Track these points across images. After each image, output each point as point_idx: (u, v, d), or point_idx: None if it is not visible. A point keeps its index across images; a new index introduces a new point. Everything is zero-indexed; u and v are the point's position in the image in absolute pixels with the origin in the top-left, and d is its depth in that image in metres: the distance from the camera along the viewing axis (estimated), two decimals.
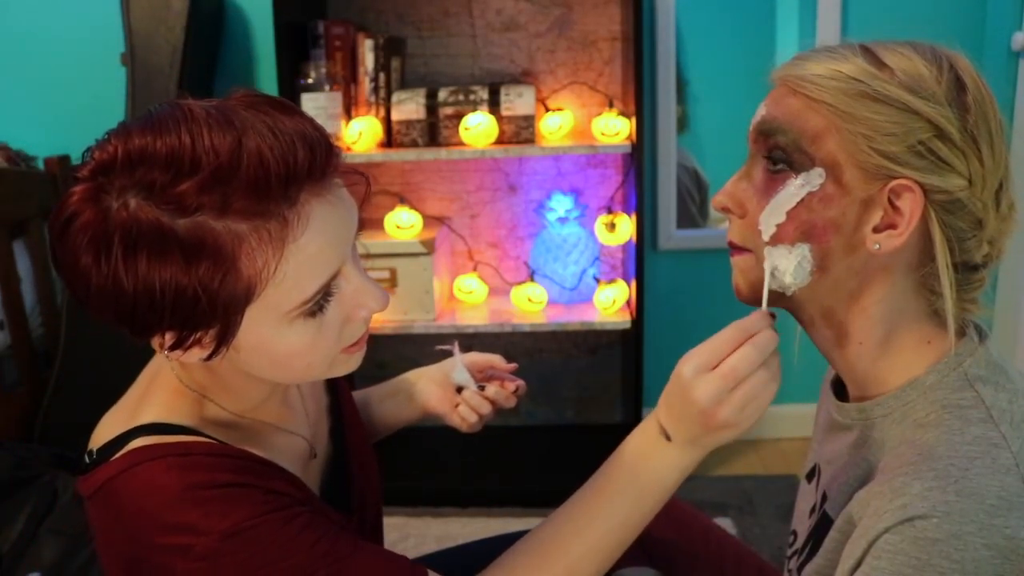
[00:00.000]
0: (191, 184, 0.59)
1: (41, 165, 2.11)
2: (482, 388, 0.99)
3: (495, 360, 1.01)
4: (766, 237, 0.73)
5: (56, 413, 2.03)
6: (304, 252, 0.63)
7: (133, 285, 0.61)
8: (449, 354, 1.01)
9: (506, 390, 1.00)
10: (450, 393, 1.01)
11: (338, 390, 0.96)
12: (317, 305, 0.66)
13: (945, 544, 0.60)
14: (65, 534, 1.66)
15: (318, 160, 0.63)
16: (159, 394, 0.75)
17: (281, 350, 0.68)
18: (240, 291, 0.62)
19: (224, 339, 0.65)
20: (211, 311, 0.62)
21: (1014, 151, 0.73)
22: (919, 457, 0.66)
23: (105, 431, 0.75)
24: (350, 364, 0.75)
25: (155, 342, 0.67)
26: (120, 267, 0.60)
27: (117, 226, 0.60)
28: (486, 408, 0.99)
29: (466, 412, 0.99)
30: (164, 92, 2.01)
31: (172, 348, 0.66)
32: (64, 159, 2.11)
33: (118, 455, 0.71)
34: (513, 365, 1.02)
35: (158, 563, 0.67)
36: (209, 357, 0.67)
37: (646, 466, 0.75)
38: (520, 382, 1.01)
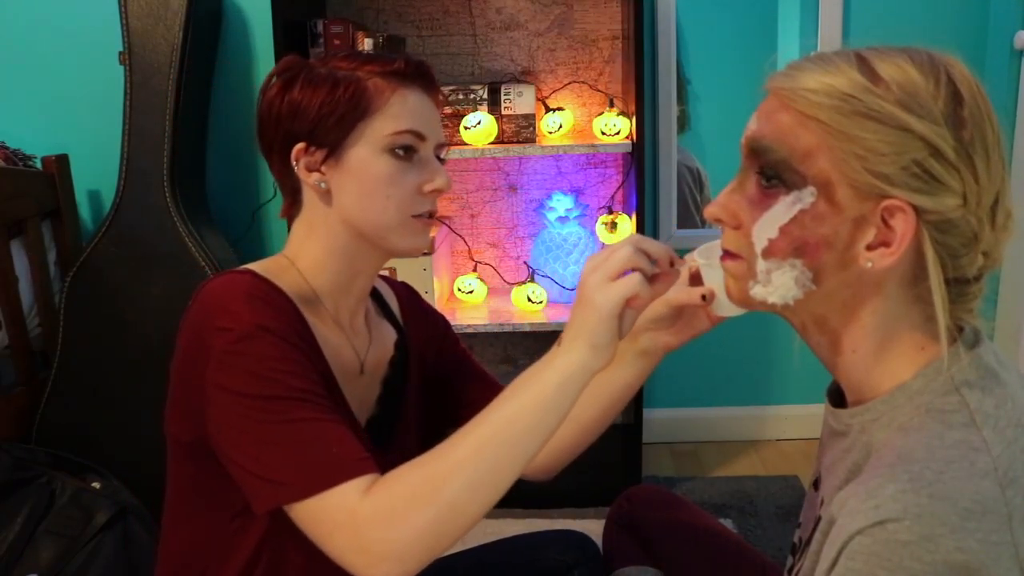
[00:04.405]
0: (343, 60, 0.96)
1: (39, 164, 2.11)
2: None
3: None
4: (759, 251, 0.73)
5: (54, 414, 2.02)
6: (406, 101, 0.94)
7: (301, 102, 0.94)
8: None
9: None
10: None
11: (408, 352, 1.09)
12: (403, 148, 0.93)
13: (916, 547, 0.60)
14: (63, 535, 1.65)
15: (427, 78, 0.98)
16: (263, 262, 0.99)
17: (372, 172, 0.93)
18: (364, 103, 0.93)
19: (336, 148, 0.93)
20: (341, 118, 0.93)
21: (1016, 151, 0.72)
22: (897, 460, 0.65)
23: None
24: (417, 237, 0.96)
25: (294, 154, 0.94)
26: (297, 90, 0.94)
27: (303, 70, 0.96)
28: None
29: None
30: (163, 91, 2.00)
31: (298, 161, 0.94)
32: (62, 158, 2.11)
33: None
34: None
35: (207, 343, 0.86)
36: (320, 170, 0.94)
37: (532, 371, 0.81)
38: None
